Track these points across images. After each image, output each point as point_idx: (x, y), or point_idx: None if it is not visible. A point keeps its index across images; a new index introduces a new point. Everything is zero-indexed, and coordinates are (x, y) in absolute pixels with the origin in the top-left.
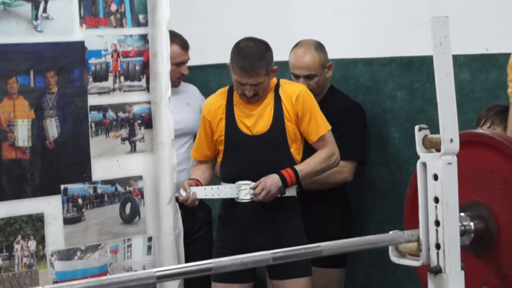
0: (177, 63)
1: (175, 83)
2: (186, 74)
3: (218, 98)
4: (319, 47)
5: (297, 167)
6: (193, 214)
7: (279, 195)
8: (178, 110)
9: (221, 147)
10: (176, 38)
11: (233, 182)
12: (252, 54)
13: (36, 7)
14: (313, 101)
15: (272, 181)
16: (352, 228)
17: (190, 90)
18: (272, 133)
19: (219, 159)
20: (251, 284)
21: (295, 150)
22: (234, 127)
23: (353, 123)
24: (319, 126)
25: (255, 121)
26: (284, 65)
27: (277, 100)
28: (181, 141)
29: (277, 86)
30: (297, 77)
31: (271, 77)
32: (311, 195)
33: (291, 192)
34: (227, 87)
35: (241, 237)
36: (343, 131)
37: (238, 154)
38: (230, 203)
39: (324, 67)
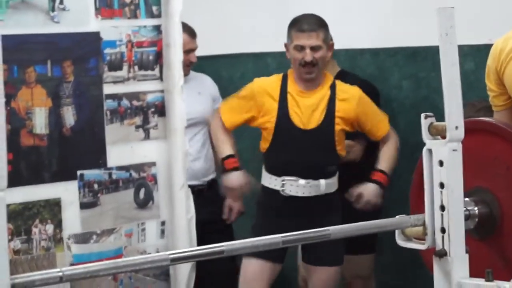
0: (185, 51)
1: (184, 71)
2: (194, 61)
3: (274, 82)
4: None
5: (382, 167)
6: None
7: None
8: (189, 100)
9: (269, 137)
10: (183, 26)
11: (278, 173)
12: (310, 18)
13: None
14: (370, 101)
15: (371, 193)
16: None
17: (202, 80)
18: (321, 129)
19: (265, 147)
20: (281, 265)
21: (341, 147)
22: (286, 119)
23: (373, 99)
24: (384, 123)
25: (308, 113)
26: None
27: (332, 96)
28: (194, 131)
29: (334, 83)
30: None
31: (329, 53)
32: None
33: (334, 187)
34: (281, 74)
35: (281, 229)
36: None
37: (286, 147)
38: (272, 193)
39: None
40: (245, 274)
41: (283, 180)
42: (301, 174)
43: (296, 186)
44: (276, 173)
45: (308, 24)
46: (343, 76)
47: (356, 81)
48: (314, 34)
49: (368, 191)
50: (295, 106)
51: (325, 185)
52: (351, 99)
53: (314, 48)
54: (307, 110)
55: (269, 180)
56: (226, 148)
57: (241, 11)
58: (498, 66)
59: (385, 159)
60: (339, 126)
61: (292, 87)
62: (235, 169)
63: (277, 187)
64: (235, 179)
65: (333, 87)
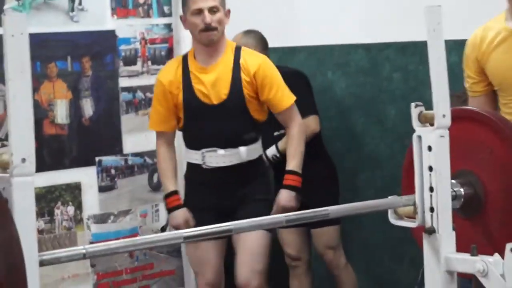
0: None
1: None
2: None
3: (175, 68)
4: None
5: (292, 167)
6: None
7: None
8: None
9: (181, 115)
10: None
11: (197, 147)
12: None
13: (72, 0)
14: (275, 72)
15: (285, 200)
16: (338, 189)
17: None
18: (230, 102)
19: (181, 124)
20: (225, 240)
21: (257, 112)
22: (192, 97)
23: (302, 85)
24: (287, 97)
25: (213, 89)
26: (288, 51)
27: (237, 63)
28: None
29: (238, 51)
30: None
31: (227, 20)
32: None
33: (257, 152)
34: (180, 56)
35: (210, 199)
36: (296, 94)
37: (200, 121)
38: (195, 167)
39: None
40: (196, 259)
41: (202, 153)
42: (219, 144)
43: (215, 157)
44: (195, 147)
45: None
46: None
47: (288, 72)
48: None
49: (282, 198)
50: (198, 83)
51: (246, 152)
52: (251, 66)
53: (212, 10)
54: (211, 86)
55: (190, 155)
56: (169, 182)
57: (245, 9)
58: (479, 55)
59: (292, 154)
60: (247, 90)
61: (193, 65)
62: (178, 206)
63: (198, 161)
64: (179, 217)
65: (237, 54)
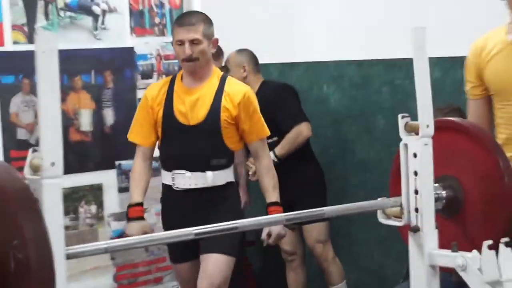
0: None
1: None
2: None
3: (161, 86)
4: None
5: (274, 199)
6: None
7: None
8: None
9: (160, 134)
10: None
11: (170, 168)
12: (191, 13)
13: (96, 20)
14: (257, 102)
15: (279, 228)
16: (324, 190)
17: None
18: (207, 123)
19: (159, 143)
20: (198, 260)
21: (231, 141)
22: (171, 117)
23: (291, 96)
24: (260, 131)
25: (193, 109)
26: (288, 66)
27: (220, 88)
28: None
29: (223, 79)
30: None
31: (211, 48)
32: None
33: (224, 179)
34: (170, 76)
35: (179, 219)
36: (287, 105)
37: (174, 141)
38: (168, 188)
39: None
40: (179, 277)
41: (173, 174)
42: (188, 167)
43: (183, 179)
44: (168, 168)
45: (187, 19)
46: (265, 84)
47: (277, 85)
48: (192, 28)
49: (273, 230)
50: (179, 103)
51: (213, 177)
52: (237, 94)
53: (193, 42)
54: (190, 107)
55: (164, 176)
56: (137, 194)
57: (245, 28)
58: (478, 63)
59: (272, 186)
60: (225, 116)
61: (178, 85)
62: (138, 218)
63: (169, 182)
64: (136, 229)
65: (222, 82)
